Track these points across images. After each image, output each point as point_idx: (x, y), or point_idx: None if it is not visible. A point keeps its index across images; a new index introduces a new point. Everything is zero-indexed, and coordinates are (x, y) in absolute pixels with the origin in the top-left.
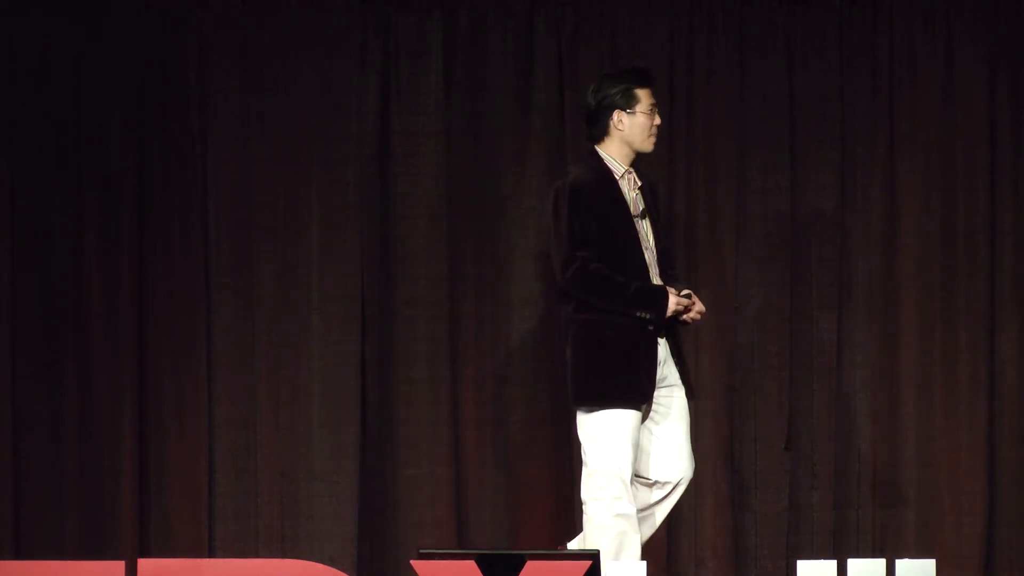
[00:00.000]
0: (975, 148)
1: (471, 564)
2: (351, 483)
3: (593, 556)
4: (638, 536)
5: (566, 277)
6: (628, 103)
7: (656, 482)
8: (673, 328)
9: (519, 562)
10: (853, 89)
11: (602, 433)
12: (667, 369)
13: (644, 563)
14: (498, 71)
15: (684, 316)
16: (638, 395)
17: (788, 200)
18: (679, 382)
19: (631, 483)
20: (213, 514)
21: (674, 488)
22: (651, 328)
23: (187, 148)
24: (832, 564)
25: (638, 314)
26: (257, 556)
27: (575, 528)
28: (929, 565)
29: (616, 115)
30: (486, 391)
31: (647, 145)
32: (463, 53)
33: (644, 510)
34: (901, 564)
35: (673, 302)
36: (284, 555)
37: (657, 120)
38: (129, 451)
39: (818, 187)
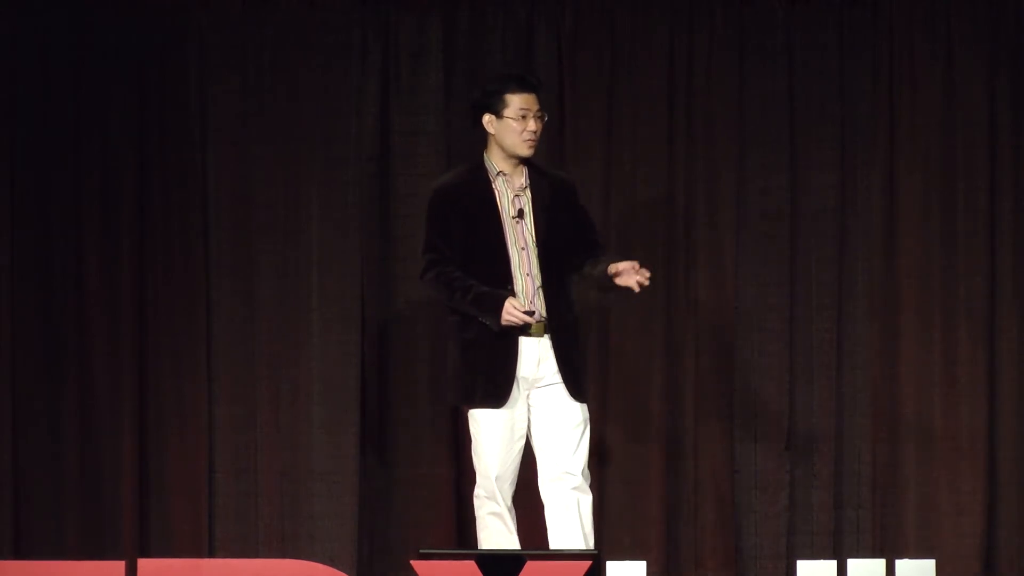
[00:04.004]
0: (975, 148)
1: (471, 564)
2: (351, 483)
3: (593, 556)
4: (514, 536)
5: (421, 279)
6: (496, 107)
7: (543, 501)
8: (562, 327)
9: (519, 562)
10: (853, 89)
11: (473, 433)
12: (544, 369)
13: (644, 563)
14: (498, 71)
15: (508, 318)
16: (492, 395)
17: (788, 200)
18: (559, 381)
19: (507, 483)
20: (213, 514)
21: (558, 506)
22: (492, 327)
23: (187, 148)
24: (832, 564)
25: (479, 318)
26: (257, 556)
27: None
28: (929, 565)
29: (486, 117)
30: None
31: (521, 150)
32: (463, 53)
33: (551, 530)
34: (901, 564)
35: (506, 309)
36: (284, 555)
37: (531, 126)
38: (129, 451)
39: (818, 187)
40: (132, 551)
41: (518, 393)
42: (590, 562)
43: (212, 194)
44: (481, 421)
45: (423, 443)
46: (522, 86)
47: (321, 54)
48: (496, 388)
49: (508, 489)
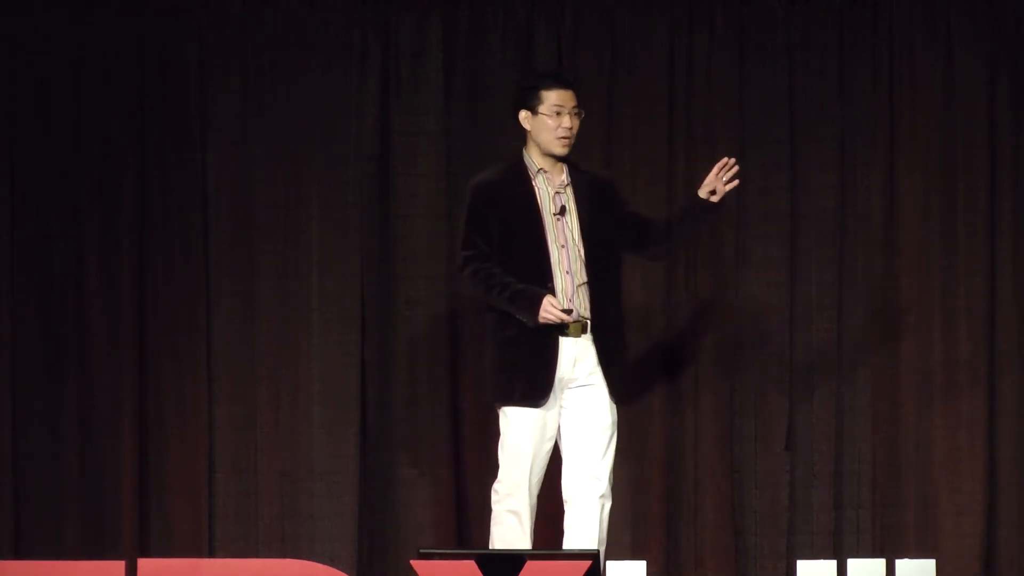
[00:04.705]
0: (975, 148)
1: (471, 564)
2: (351, 483)
3: (593, 556)
4: (527, 537)
5: (459, 275)
6: (531, 103)
7: (565, 499)
8: (604, 326)
9: (519, 562)
10: (853, 89)
11: (503, 430)
12: (579, 369)
13: (644, 563)
14: (498, 71)
15: (546, 316)
16: (532, 395)
17: (788, 200)
18: (596, 382)
19: (534, 483)
20: (213, 514)
21: (581, 509)
22: (529, 325)
23: (187, 148)
24: (832, 564)
25: (516, 315)
26: (257, 556)
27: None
28: (929, 565)
29: (522, 114)
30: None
31: (555, 147)
32: (463, 53)
33: (569, 530)
34: (901, 564)
35: (543, 307)
36: (284, 555)
37: (566, 123)
38: (129, 451)
39: (818, 187)
40: (132, 551)
41: (554, 394)
42: (590, 562)
43: (212, 194)
44: (513, 419)
45: (423, 443)
46: (558, 82)
47: (321, 54)
48: (536, 388)
49: (534, 489)
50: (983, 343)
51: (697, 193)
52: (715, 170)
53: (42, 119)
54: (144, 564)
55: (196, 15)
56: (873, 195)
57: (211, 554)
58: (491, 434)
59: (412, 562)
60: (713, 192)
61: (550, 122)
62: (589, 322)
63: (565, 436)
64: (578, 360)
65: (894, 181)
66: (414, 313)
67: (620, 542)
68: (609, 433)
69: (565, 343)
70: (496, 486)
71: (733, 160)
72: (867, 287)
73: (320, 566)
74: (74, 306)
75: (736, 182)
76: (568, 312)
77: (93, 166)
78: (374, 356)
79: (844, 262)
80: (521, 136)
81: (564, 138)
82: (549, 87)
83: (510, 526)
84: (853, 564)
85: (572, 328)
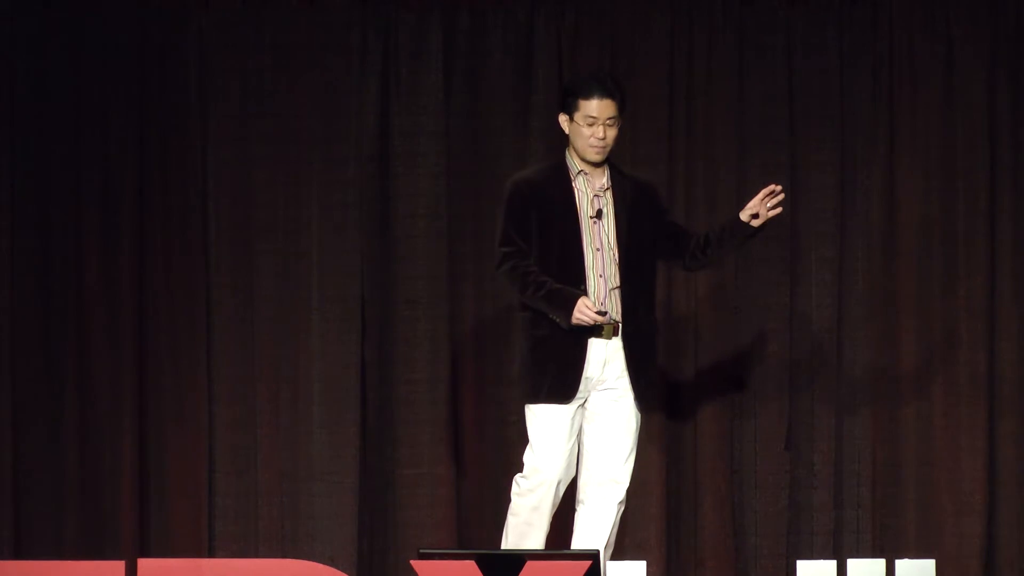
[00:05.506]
0: (975, 148)
1: (471, 564)
2: (351, 483)
3: (593, 556)
4: (543, 534)
5: (496, 271)
6: (569, 109)
7: (578, 499)
8: (636, 332)
9: (519, 562)
10: (853, 89)
11: (531, 428)
12: (608, 372)
13: (644, 563)
14: (498, 71)
15: (579, 317)
16: (559, 392)
17: (788, 200)
18: (623, 386)
19: (563, 482)
20: (213, 514)
21: (596, 510)
22: (563, 325)
23: (187, 148)
24: (832, 564)
25: (550, 315)
26: (257, 556)
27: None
28: (929, 565)
29: (561, 117)
30: (486, 391)
31: (588, 154)
32: (463, 53)
33: (579, 531)
34: (901, 564)
35: (578, 308)
36: (284, 555)
37: (599, 134)
38: (129, 451)
39: (818, 187)
40: (132, 551)
41: (581, 394)
42: (590, 562)
43: (212, 194)
44: (540, 417)
45: (423, 443)
46: (596, 92)
47: (321, 54)
48: (564, 386)
49: (562, 487)
50: (983, 343)
51: (739, 216)
52: (761, 195)
53: (42, 119)
54: (144, 564)
55: (196, 15)
56: (873, 195)
57: (211, 554)
58: (490, 434)
59: (412, 562)
60: (755, 216)
61: (584, 131)
62: (621, 325)
63: (587, 437)
64: (608, 362)
65: (894, 181)
66: (414, 313)
67: (620, 542)
68: (633, 438)
69: (596, 344)
70: (518, 478)
71: (780, 188)
72: (867, 287)
73: (320, 566)
74: (74, 306)
75: (780, 209)
76: (602, 314)
77: (93, 166)
78: (374, 356)
79: (844, 262)
80: (561, 138)
81: (596, 147)
82: (587, 97)
83: (527, 520)
84: (853, 564)
85: (605, 330)
